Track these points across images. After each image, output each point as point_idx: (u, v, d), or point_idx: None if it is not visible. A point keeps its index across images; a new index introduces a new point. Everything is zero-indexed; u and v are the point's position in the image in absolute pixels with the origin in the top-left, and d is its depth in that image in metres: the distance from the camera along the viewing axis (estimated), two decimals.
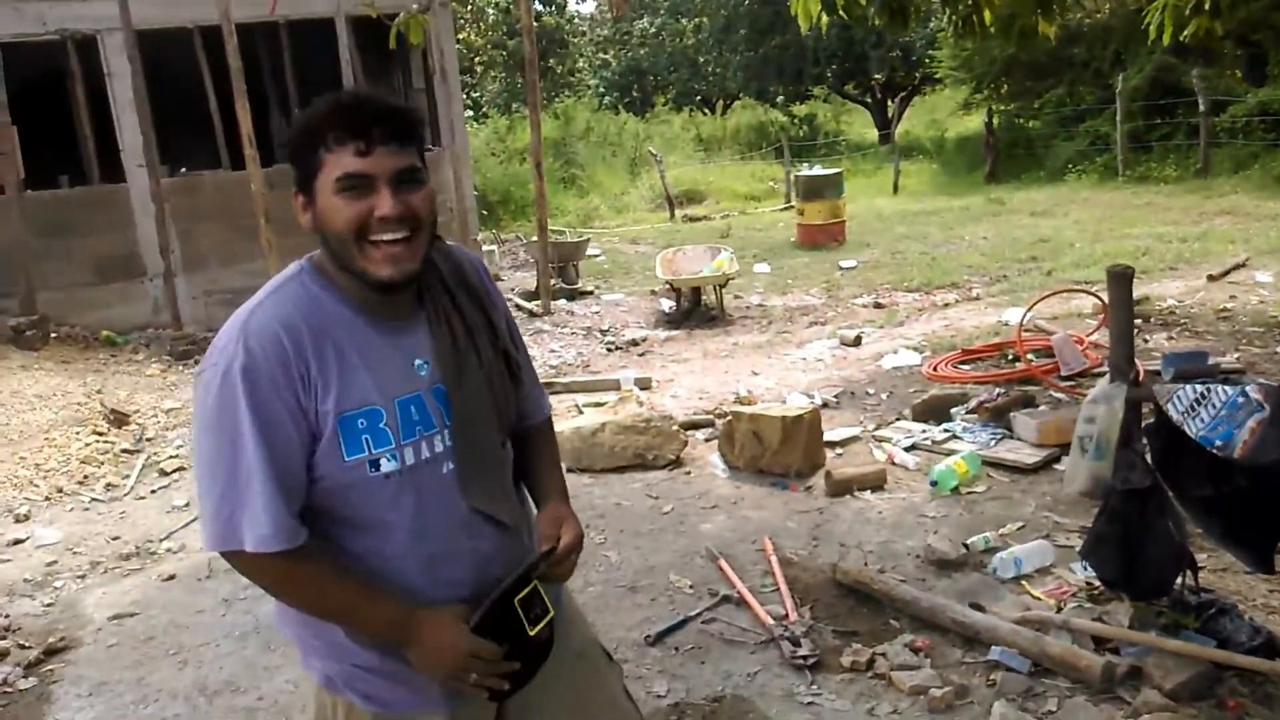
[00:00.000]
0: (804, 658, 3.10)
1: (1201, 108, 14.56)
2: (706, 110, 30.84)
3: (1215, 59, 15.51)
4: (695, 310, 8.97)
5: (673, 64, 30.26)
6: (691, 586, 3.69)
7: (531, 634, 1.52)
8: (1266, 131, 14.20)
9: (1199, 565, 3.14)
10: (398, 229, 1.43)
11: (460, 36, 22.39)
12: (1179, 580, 3.04)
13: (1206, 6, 6.60)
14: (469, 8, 25.02)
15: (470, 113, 24.06)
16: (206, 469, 1.45)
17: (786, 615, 3.41)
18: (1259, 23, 14.28)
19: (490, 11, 26.61)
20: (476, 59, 26.92)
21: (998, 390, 5.43)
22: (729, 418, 5.15)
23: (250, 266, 9.48)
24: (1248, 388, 2.94)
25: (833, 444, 5.13)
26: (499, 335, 1.63)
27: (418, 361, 1.52)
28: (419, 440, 1.50)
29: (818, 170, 13.80)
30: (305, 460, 1.45)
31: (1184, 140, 15.42)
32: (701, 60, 29.65)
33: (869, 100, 27.64)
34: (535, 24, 12.22)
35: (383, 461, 1.47)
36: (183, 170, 10.24)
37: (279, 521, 1.42)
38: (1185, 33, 6.51)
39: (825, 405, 5.80)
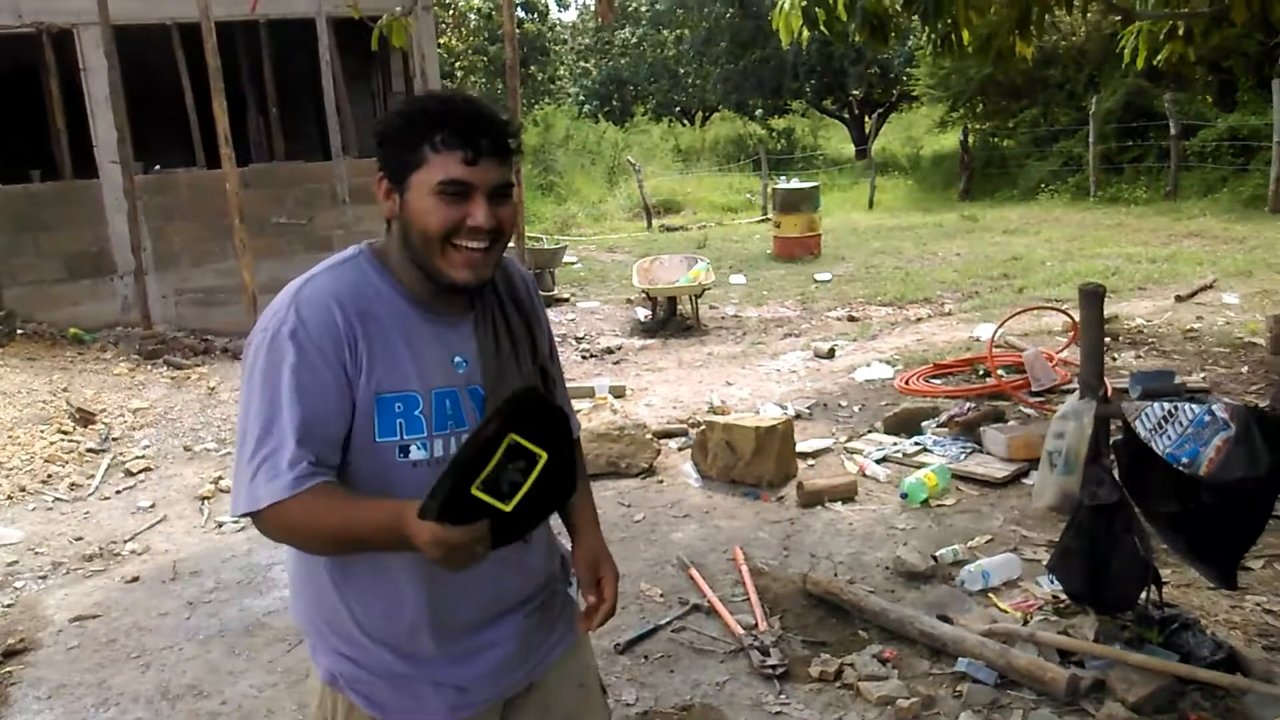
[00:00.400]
0: (773, 667, 3.11)
1: (1173, 131, 14.80)
2: (686, 121, 30.98)
3: (1187, 84, 15.77)
4: (671, 320, 8.99)
5: (653, 74, 30.36)
6: (662, 595, 3.68)
7: (507, 509, 1.30)
8: (1235, 156, 14.44)
9: (1163, 580, 3.18)
10: (484, 239, 1.46)
11: (441, 41, 22.33)
12: (1143, 595, 3.07)
13: (1180, 32, 6.72)
14: (451, 12, 24.99)
15: None
16: (244, 434, 1.44)
17: (756, 625, 3.41)
18: (1230, 49, 14.55)
19: (472, 17, 26.59)
20: (457, 64, 26.88)
21: (968, 405, 5.48)
22: (702, 427, 5.16)
23: (222, 266, 9.40)
24: (1214, 406, 2.98)
25: (805, 455, 5.15)
26: (539, 351, 1.65)
27: (458, 358, 1.53)
28: (449, 434, 1.51)
29: (795, 184, 13.89)
30: (343, 432, 1.45)
31: (1155, 163, 15.66)
32: (682, 71, 29.76)
33: (847, 116, 27.86)
34: (517, 30, 12.21)
35: (413, 449, 1.48)
36: (157, 168, 10.13)
37: (300, 469, 1.38)
38: (1158, 57, 6.62)
39: (798, 416, 5.83)
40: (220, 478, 5.37)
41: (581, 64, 33.17)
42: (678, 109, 31.00)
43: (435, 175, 1.43)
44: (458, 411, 1.52)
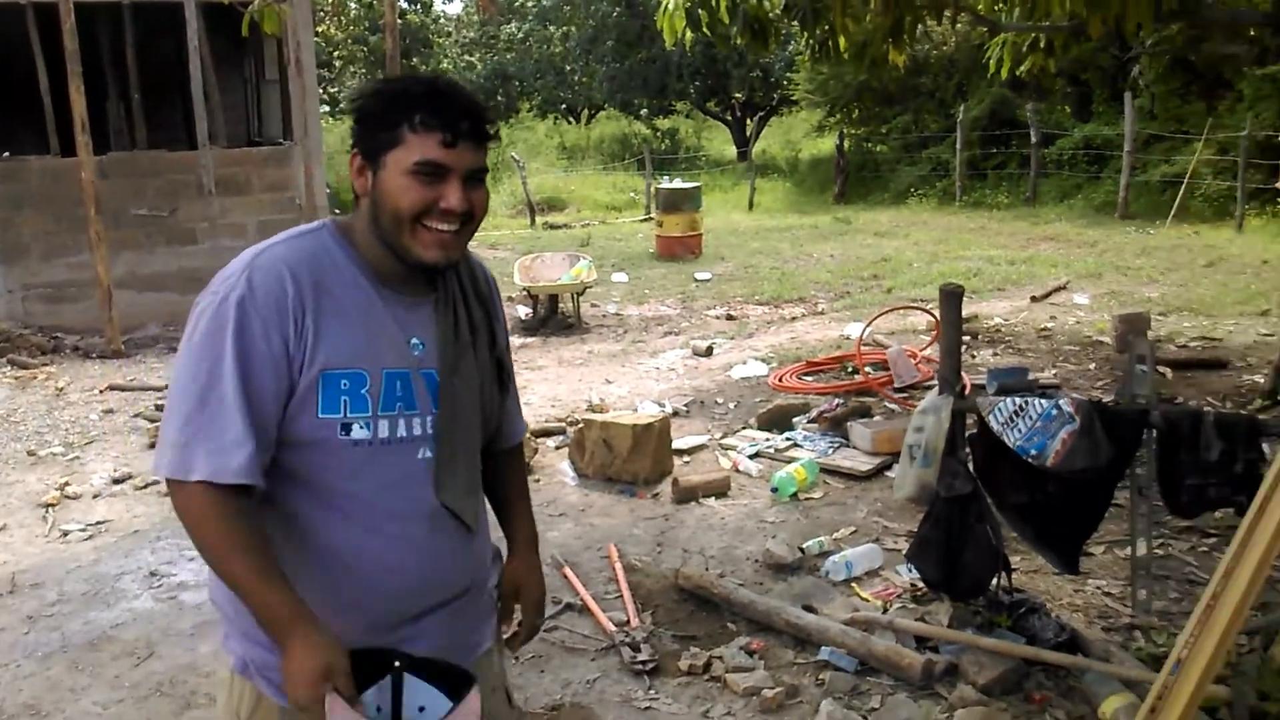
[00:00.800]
0: (643, 663, 3.13)
1: (1033, 140, 15.61)
2: (571, 119, 30.89)
3: (1048, 95, 16.66)
4: (552, 318, 8.95)
5: (539, 71, 30.15)
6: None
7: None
8: (1090, 164, 15.33)
9: (1013, 567, 3.34)
10: (455, 221, 1.47)
11: (319, 29, 21.68)
12: (995, 582, 3.22)
13: (1042, 45, 7.08)
14: (330, 0, 24.27)
15: (327, 108, 23.31)
16: (178, 395, 1.42)
17: (628, 621, 3.43)
18: (1088, 63, 15.45)
19: (353, 5, 25.89)
20: (335, 53, 26.13)
21: (837, 401, 5.64)
22: (580, 425, 5.15)
23: (76, 259, 8.88)
24: (1061, 401, 3.16)
25: (681, 452, 5.21)
26: (496, 343, 1.66)
27: (415, 340, 1.52)
28: (397, 416, 1.49)
29: (678, 184, 14.04)
30: (278, 412, 1.43)
31: (1016, 170, 16.48)
32: (568, 69, 29.65)
33: (729, 118, 28.29)
34: (399, 21, 11.93)
35: (355, 427, 1.45)
36: (5, 154, 9.50)
37: (239, 458, 1.38)
38: (1021, 68, 6.95)
39: (676, 414, 5.89)
40: (67, 483, 5.07)
41: (466, 58, 32.67)
42: (563, 106, 30.89)
43: (412, 155, 1.43)
44: (408, 393, 1.50)
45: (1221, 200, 12.89)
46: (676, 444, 5.22)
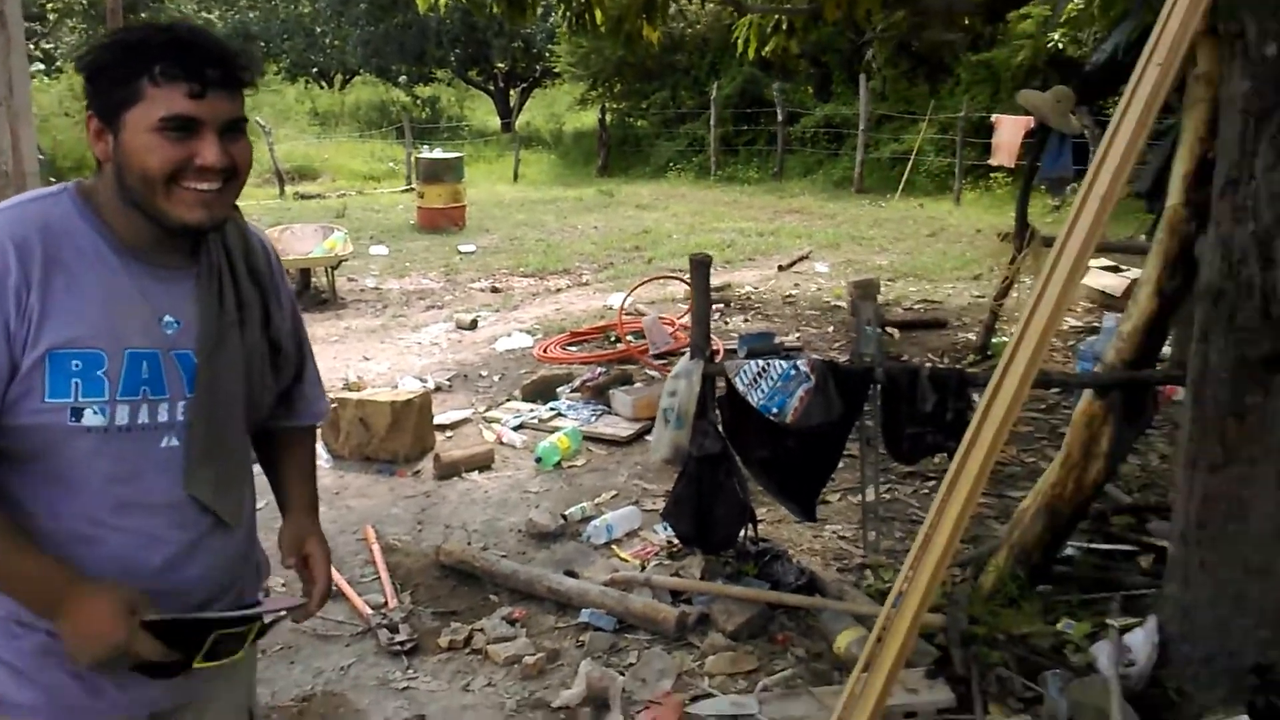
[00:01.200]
0: (401, 644, 3.05)
1: (779, 118, 16.49)
2: (324, 84, 29.35)
3: (792, 75, 17.61)
4: (304, 293, 8.50)
5: (286, 31, 28.35)
6: (284, 584, 3.48)
7: (197, 664, 1.35)
8: (830, 142, 16.40)
9: (759, 519, 3.54)
10: (216, 179, 1.33)
11: None
12: (743, 533, 3.40)
13: (784, 27, 7.45)
14: None
15: (41, 66, 20.83)
16: None
17: (386, 603, 3.34)
18: (827, 46, 16.45)
19: None
20: (49, 5, 23.38)
21: (599, 370, 5.73)
22: (334, 405, 4.93)
23: None
24: (799, 362, 3.36)
25: (444, 427, 5.12)
26: (272, 324, 1.51)
27: (167, 318, 1.37)
28: (140, 402, 1.34)
29: (439, 154, 13.70)
30: (1, 390, 1.28)
31: (765, 146, 17.36)
32: (319, 30, 28.10)
33: (492, 88, 27.90)
34: None
35: (87, 413, 1.30)
36: None
37: None
38: (766, 49, 7.27)
39: (438, 389, 5.77)
40: None
41: (204, 14, 30.18)
42: (315, 70, 29.27)
43: (156, 111, 1.28)
44: (156, 377, 1.35)
45: (942, 176, 14.18)
46: (439, 419, 5.12)
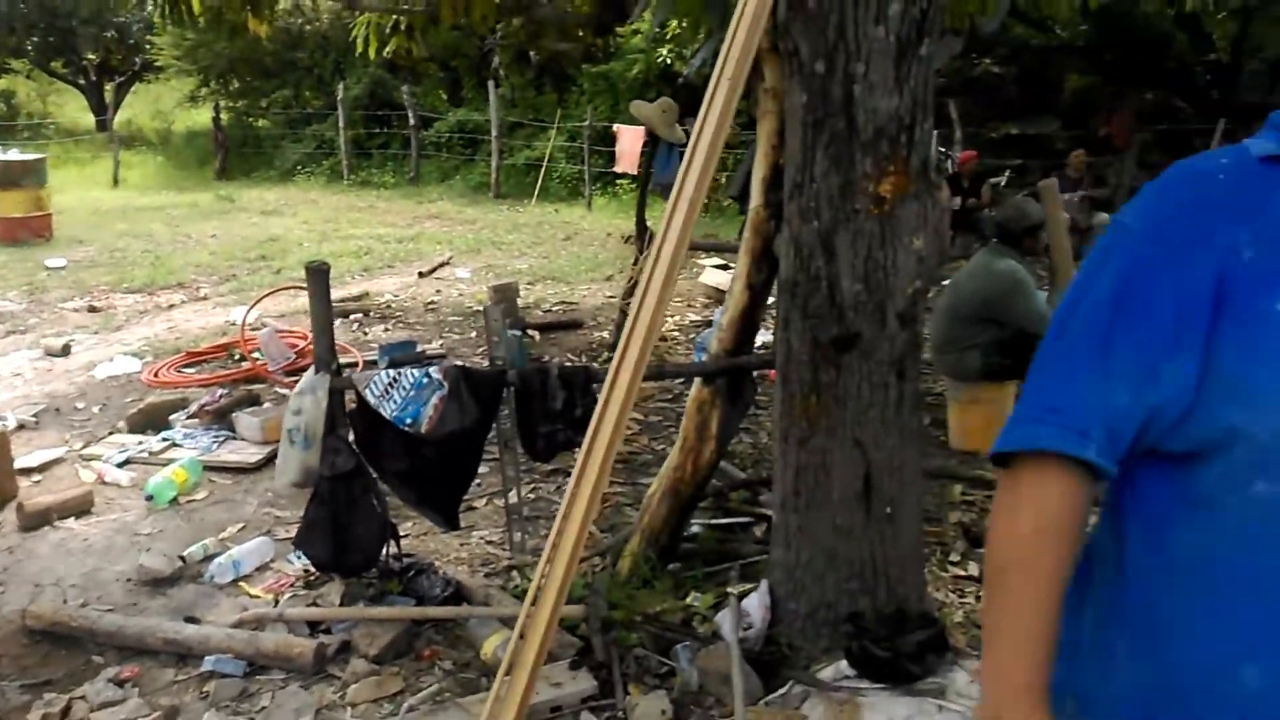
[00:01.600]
0: None
1: (412, 121, 16.21)
2: None
3: (421, 78, 17.39)
4: None
5: None
6: None
7: None
8: (465, 147, 16.41)
9: (403, 534, 3.44)
10: None
11: None
12: (385, 551, 3.28)
13: (403, 27, 7.30)
14: None
15: None
16: None
17: None
18: (456, 50, 16.42)
19: None
20: None
21: (221, 391, 5.27)
22: None
23: None
24: (431, 369, 3.29)
25: (29, 470, 4.45)
26: None
27: None
28: None
29: (16, 155, 11.96)
30: None
31: (400, 150, 17.00)
32: None
33: (83, 82, 24.74)
34: None
35: None
36: None
37: None
38: (387, 49, 7.09)
39: (21, 427, 5.02)
40: None
41: None
42: None
43: None
44: None
45: (574, 182, 14.73)
46: (22, 462, 4.44)
